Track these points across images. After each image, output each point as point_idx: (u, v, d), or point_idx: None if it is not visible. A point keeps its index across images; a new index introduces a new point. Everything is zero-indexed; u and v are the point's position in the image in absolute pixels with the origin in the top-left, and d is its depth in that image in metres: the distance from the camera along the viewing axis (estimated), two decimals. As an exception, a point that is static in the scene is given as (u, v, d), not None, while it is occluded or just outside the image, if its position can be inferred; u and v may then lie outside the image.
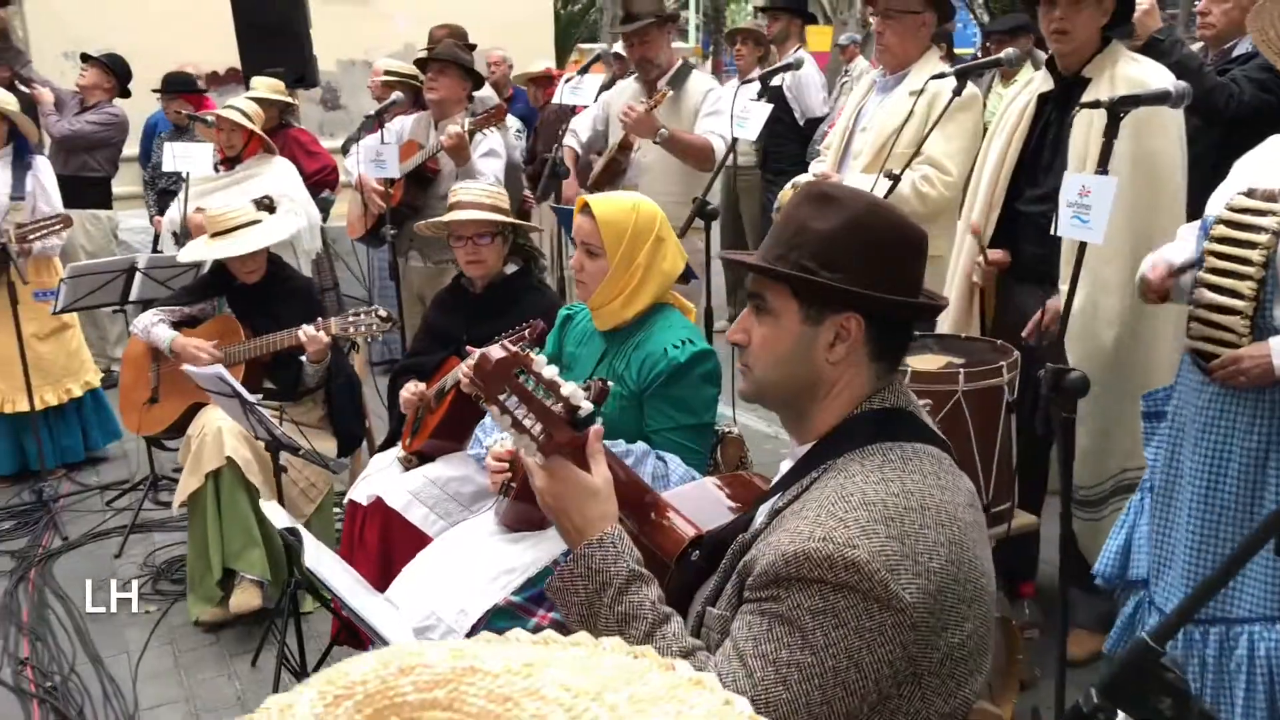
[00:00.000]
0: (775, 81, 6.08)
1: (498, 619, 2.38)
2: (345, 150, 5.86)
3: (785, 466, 1.60)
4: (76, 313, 4.83)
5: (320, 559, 2.16)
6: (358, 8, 8.45)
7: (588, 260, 2.50)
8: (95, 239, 6.19)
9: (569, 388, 1.44)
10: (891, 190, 3.08)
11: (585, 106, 4.78)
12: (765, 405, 1.59)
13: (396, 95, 4.87)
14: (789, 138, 6.02)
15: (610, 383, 2.34)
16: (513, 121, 6.73)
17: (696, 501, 1.85)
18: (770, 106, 3.85)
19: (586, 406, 1.46)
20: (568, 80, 4.51)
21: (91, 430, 5.11)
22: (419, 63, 5.30)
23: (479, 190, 3.29)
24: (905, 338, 1.54)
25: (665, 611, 1.45)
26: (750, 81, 4.54)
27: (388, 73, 5.87)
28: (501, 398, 1.44)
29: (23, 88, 6.00)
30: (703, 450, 2.49)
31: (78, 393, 4.97)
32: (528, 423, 1.45)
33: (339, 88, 8.90)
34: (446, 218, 3.28)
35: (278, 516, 2.33)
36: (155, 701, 3.29)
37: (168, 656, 3.54)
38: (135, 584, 3.97)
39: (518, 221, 3.40)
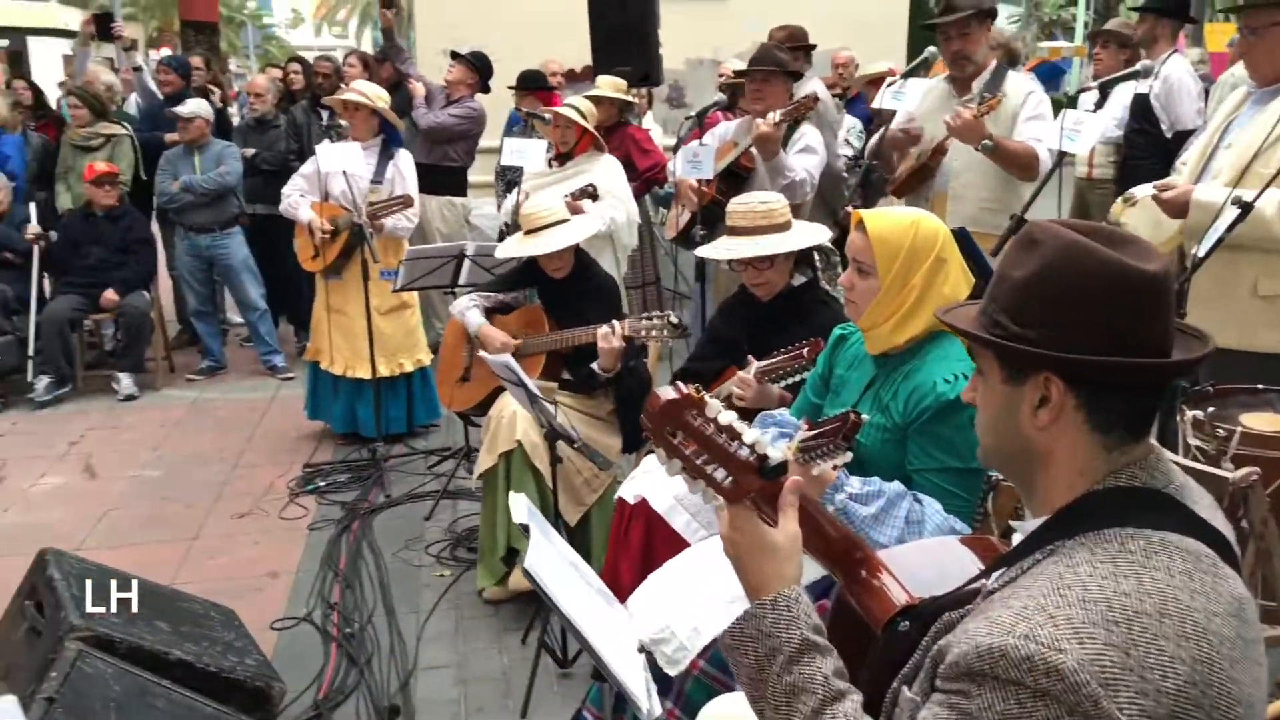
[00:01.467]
0: (1141, 89, 5.49)
1: (726, 646, 2.28)
2: (675, 151, 5.96)
3: (1017, 540, 1.39)
4: (415, 293, 5.26)
5: (546, 560, 2.17)
6: (709, 6, 8.57)
7: (858, 279, 2.34)
8: (450, 223, 6.72)
9: (752, 434, 1.35)
10: (1240, 219, 2.64)
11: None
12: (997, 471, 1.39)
13: (719, 98, 4.87)
14: (1151, 152, 5.39)
15: (864, 416, 2.17)
16: (851, 122, 6.54)
17: (923, 563, 1.66)
18: (1110, 117, 3.45)
19: (776, 455, 1.35)
20: (890, 84, 4.29)
21: (417, 406, 5.55)
22: (740, 73, 5.26)
23: (753, 210, 3.16)
24: (1145, 403, 1.29)
25: (840, 688, 1.30)
26: (1088, 90, 4.10)
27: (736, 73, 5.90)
28: (674, 440, 1.36)
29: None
30: (969, 497, 2.26)
31: (409, 368, 5.42)
32: (709, 468, 1.37)
33: (685, 85, 9.09)
34: (720, 255, 3.21)
35: (518, 509, 2.37)
36: (431, 663, 3.50)
37: (450, 621, 3.77)
38: (436, 548, 4.28)
39: (785, 249, 3.19)
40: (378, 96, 5.29)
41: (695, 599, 2.45)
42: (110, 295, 6.30)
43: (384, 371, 5.25)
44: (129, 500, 4.88)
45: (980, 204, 4.00)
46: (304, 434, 5.63)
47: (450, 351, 4.32)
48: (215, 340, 6.96)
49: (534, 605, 3.64)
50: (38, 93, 7.85)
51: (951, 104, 4.06)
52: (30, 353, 6.28)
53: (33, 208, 6.46)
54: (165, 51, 10.54)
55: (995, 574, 1.35)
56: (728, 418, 1.36)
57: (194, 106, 6.52)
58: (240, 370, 6.98)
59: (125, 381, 6.42)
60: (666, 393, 1.37)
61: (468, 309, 4.07)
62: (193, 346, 7.32)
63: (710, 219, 4.62)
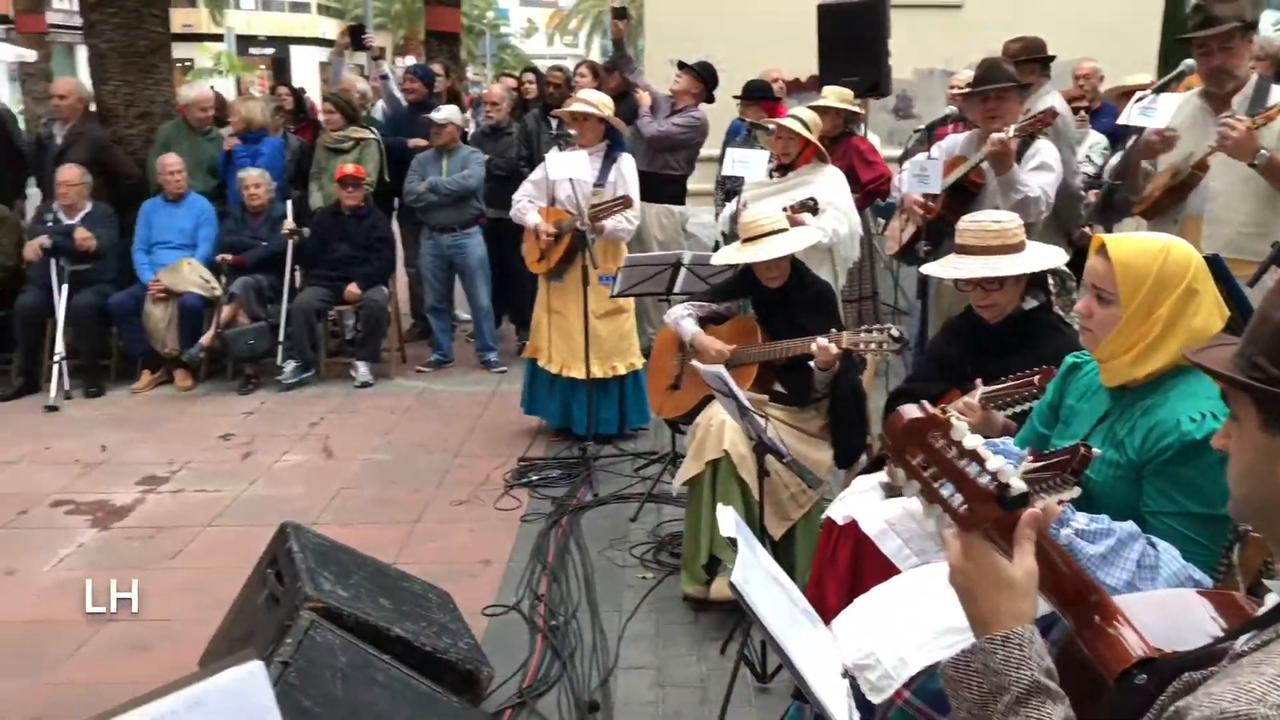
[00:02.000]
0: None
1: (934, 679, 2.21)
2: (901, 163, 5.83)
3: (1271, 600, 1.28)
4: (631, 298, 5.37)
5: (752, 574, 2.16)
6: (943, 16, 8.35)
7: (1097, 306, 2.21)
8: (667, 230, 6.83)
9: (996, 461, 1.29)
10: None
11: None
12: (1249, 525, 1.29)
13: (949, 110, 4.73)
14: None
15: (1095, 450, 2.05)
16: (1096, 138, 6.20)
17: (1162, 614, 1.55)
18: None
19: (1019, 486, 1.29)
20: (1139, 99, 4.03)
21: (629, 408, 5.66)
22: (969, 91, 5.08)
23: (985, 229, 3.04)
24: None
25: (1066, 737, 1.24)
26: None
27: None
28: (913, 461, 1.32)
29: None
30: (1211, 546, 2.10)
31: (621, 371, 5.54)
32: (945, 492, 1.32)
33: (913, 96, 8.88)
34: (948, 274, 3.11)
35: (725, 522, 2.37)
36: (631, 663, 3.56)
37: (650, 623, 3.82)
38: (640, 550, 4.35)
39: (1017, 271, 3.03)
40: (603, 105, 5.44)
41: (903, 627, 2.38)
42: (353, 289, 6.75)
43: (597, 373, 5.38)
44: (360, 481, 5.22)
45: (1239, 228, 3.70)
46: (520, 428, 5.85)
47: (661, 358, 4.38)
48: (446, 335, 7.33)
49: (734, 616, 3.64)
50: (299, 98, 8.50)
51: (1207, 122, 3.78)
52: (280, 339, 6.80)
53: (289, 205, 7.01)
54: (410, 60, 11.21)
55: (1245, 636, 1.25)
56: (973, 442, 1.31)
57: (447, 113, 6.92)
58: (465, 364, 7.32)
59: (362, 369, 6.86)
60: (910, 411, 1.33)
61: (682, 317, 4.12)
62: (423, 340, 7.75)
63: (935, 235, 4.49)
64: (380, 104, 8.37)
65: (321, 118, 7.69)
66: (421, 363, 7.28)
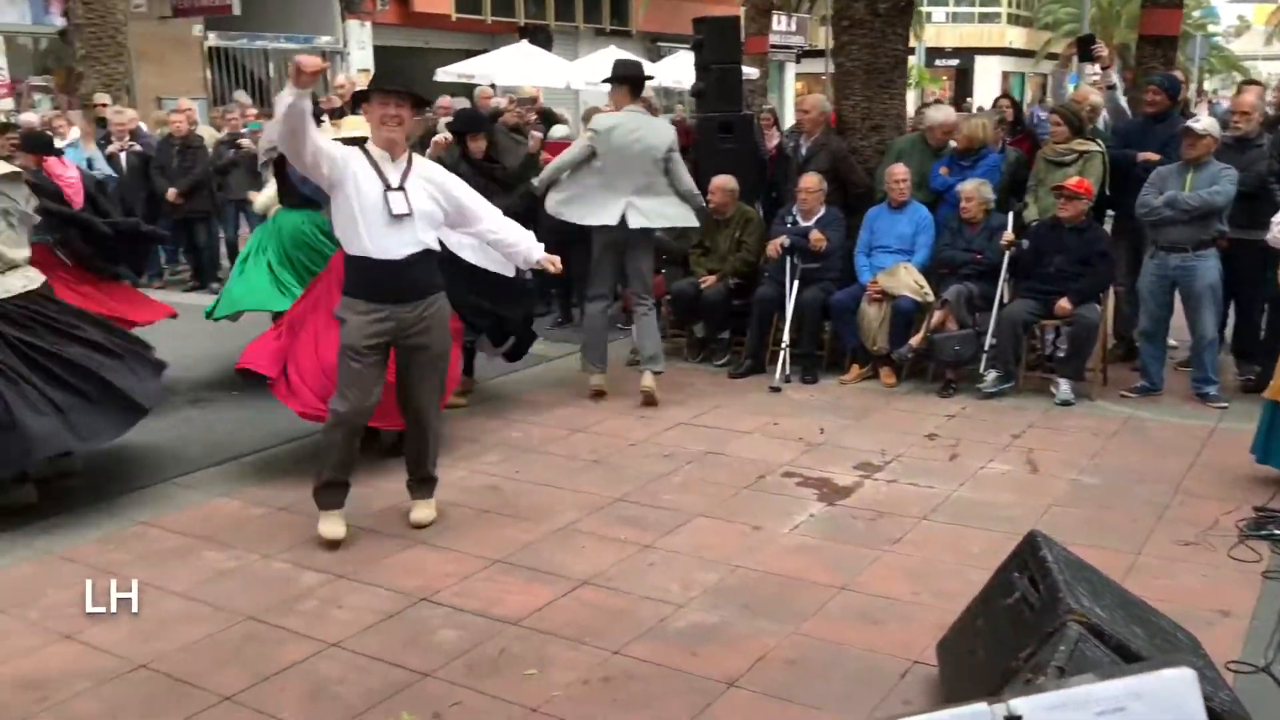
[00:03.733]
0: None
1: None
2: None
3: None
4: None
5: None
6: None
7: None
8: None
9: None
10: None
11: None
12: None
13: None
14: None
15: None
16: None
17: None
18: None
19: None
20: None
21: None
22: None
23: None
24: None
25: None
26: None
27: None
28: None
29: None
30: None
31: None
32: None
33: None
34: None
35: None
36: None
37: None
38: None
39: None
40: None
41: None
42: (1064, 304, 6.62)
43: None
44: (1071, 500, 5.12)
45: None
46: (1250, 474, 5.29)
47: None
48: (1157, 363, 6.87)
49: None
50: (1018, 109, 8.54)
51: None
52: (985, 347, 6.92)
53: (1009, 217, 7.08)
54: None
55: None
56: None
57: (1206, 124, 6.49)
58: (1174, 393, 6.82)
59: (1064, 387, 6.71)
60: None
61: None
62: (1124, 362, 7.37)
63: None
64: (1103, 115, 8.08)
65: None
66: (1126, 387, 6.92)
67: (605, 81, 7.19)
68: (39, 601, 4.20)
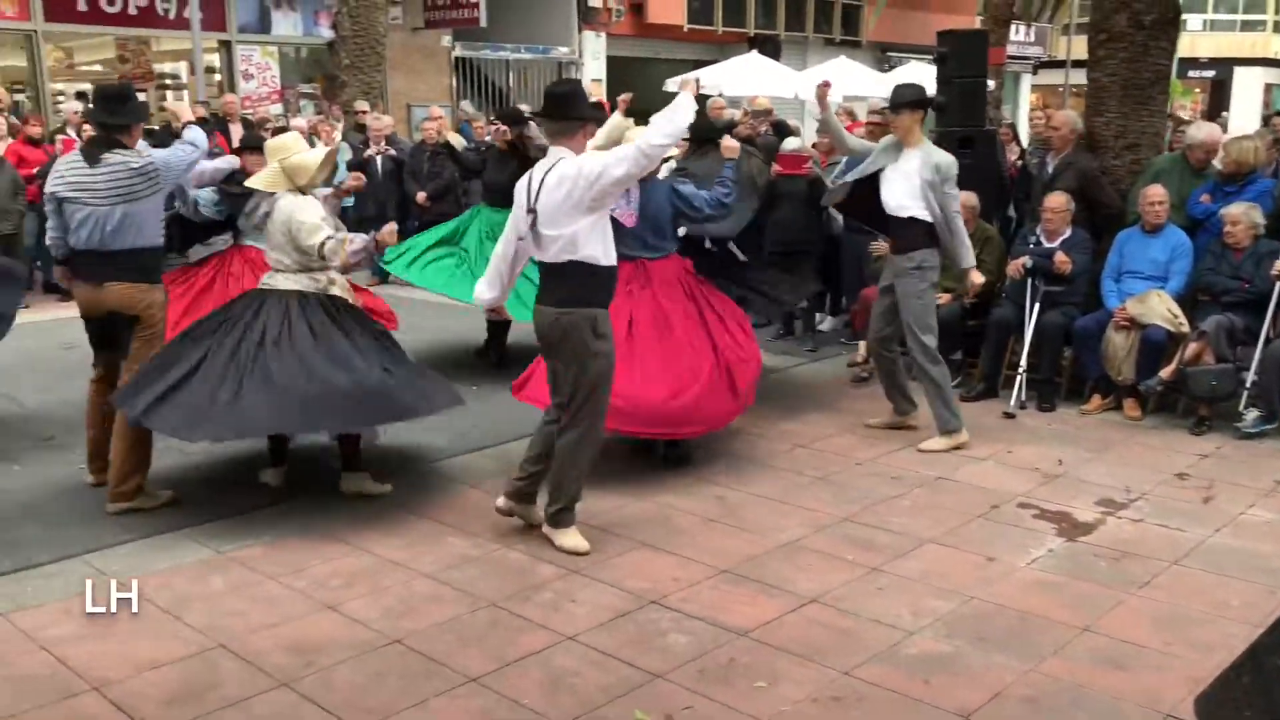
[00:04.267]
0: None
1: None
2: None
3: None
4: None
5: None
6: None
7: None
8: None
9: None
10: None
11: None
12: None
13: None
14: None
15: None
16: None
17: None
18: None
19: None
20: None
21: None
22: None
23: None
24: None
25: None
26: None
27: None
28: None
29: None
30: None
31: None
32: None
33: None
34: None
35: None
36: None
37: None
38: None
39: None
40: None
41: None
42: (1342, 342, 6.09)
43: None
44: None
45: None
46: None
47: None
48: None
49: None
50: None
51: None
52: (1246, 384, 6.44)
53: (1281, 243, 6.58)
54: None
55: None
56: None
57: None
58: None
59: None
60: None
61: None
62: None
63: None
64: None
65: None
66: None
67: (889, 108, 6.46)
68: (305, 572, 4.57)
